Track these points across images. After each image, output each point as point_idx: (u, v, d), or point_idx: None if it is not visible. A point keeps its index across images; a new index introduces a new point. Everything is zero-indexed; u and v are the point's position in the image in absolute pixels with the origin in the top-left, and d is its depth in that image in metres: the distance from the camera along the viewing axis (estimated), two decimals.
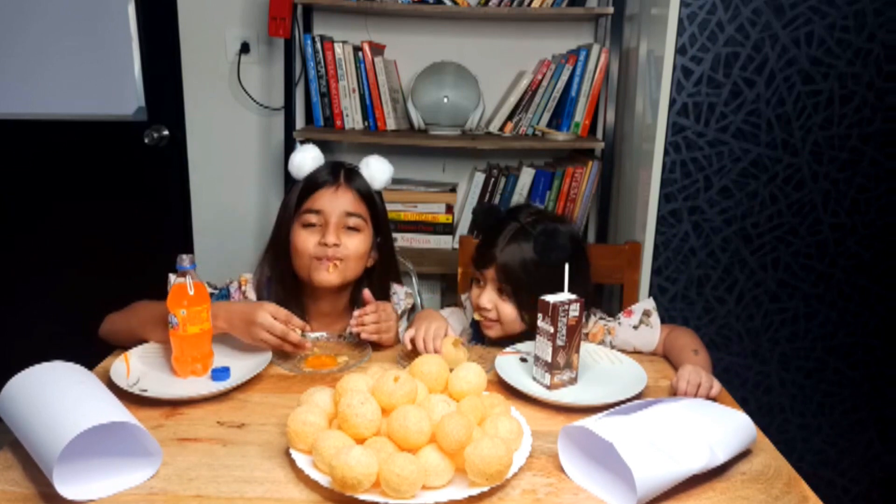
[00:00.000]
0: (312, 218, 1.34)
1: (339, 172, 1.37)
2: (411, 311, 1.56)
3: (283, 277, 1.39)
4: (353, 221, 1.35)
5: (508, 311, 1.38)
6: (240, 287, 1.43)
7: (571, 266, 1.22)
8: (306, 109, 2.30)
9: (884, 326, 1.87)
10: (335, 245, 1.32)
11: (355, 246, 1.35)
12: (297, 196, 1.36)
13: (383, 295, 1.44)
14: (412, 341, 1.26)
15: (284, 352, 1.25)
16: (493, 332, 1.42)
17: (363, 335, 1.30)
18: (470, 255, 1.67)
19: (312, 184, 1.35)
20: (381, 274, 1.45)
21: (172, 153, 2.40)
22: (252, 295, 1.41)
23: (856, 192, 1.78)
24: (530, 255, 1.33)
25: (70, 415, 0.88)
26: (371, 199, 1.39)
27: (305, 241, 1.34)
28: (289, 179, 1.62)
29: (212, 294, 1.36)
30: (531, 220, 1.39)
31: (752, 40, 1.70)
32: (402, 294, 1.52)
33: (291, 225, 1.36)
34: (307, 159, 1.36)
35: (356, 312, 1.32)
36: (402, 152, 2.34)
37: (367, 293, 1.34)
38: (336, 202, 1.33)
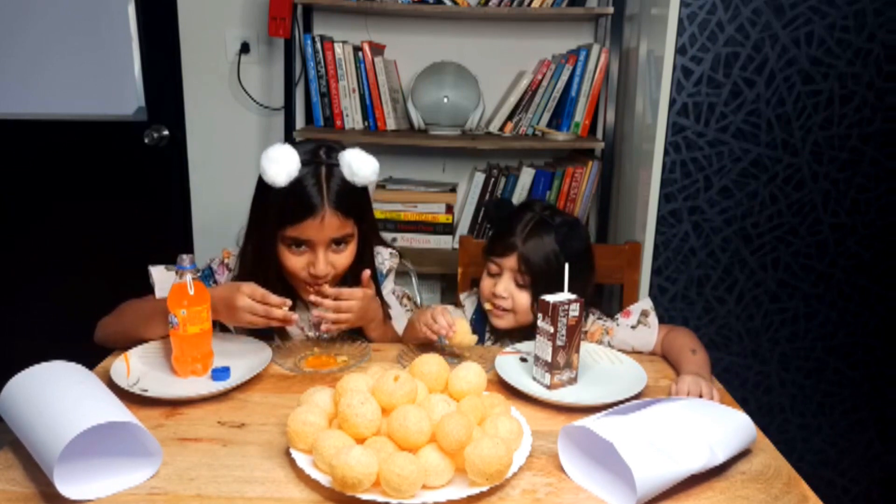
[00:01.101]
0: (298, 243, 1.28)
1: (322, 192, 1.24)
2: (411, 305, 1.54)
3: (268, 275, 1.31)
4: (340, 241, 1.29)
5: (524, 300, 1.39)
6: (222, 261, 1.41)
7: (581, 263, 1.23)
8: (306, 109, 2.30)
9: (884, 326, 1.87)
10: (325, 274, 1.28)
11: (344, 261, 1.31)
12: (279, 215, 1.26)
13: (368, 264, 1.37)
14: (427, 329, 1.26)
15: (275, 328, 1.23)
16: (503, 322, 1.42)
17: (315, 313, 1.28)
18: (470, 254, 1.68)
19: (294, 211, 1.24)
20: (364, 251, 1.37)
21: (172, 153, 2.40)
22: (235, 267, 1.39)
23: (856, 192, 1.78)
24: (552, 246, 1.36)
25: (70, 414, 0.88)
26: (355, 207, 1.30)
27: (294, 263, 1.29)
28: None
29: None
30: (548, 212, 1.42)
31: (752, 40, 1.70)
32: (385, 254, 1.48)
33: (275, 241, 1.28)
34: (281, 175, 1.22)
35: (312, 298, 1.28)
36: (402, 152, 2.34)
37: (365, 276, 1.30)
38: (322, 232, 1.25)
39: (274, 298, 1.19)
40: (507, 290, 1.39)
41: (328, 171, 1.27)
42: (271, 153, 1.23)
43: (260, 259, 1.31)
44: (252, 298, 1.18)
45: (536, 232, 1.38)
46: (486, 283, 1.43)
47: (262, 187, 1.28)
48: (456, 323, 1.26)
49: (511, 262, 1.38)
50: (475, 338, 1.28)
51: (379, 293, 1.41)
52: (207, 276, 1.41)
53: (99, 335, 1.31)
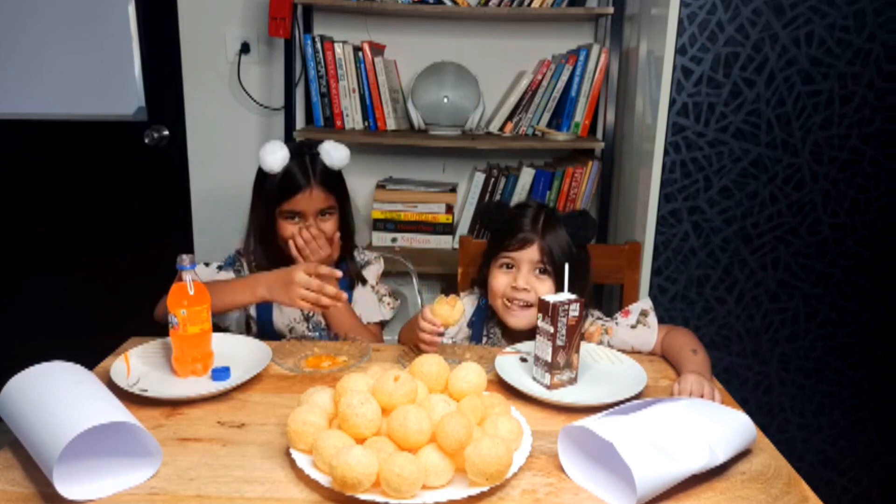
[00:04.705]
0: (293, 215, 1.56)
1: (309, 174, 1.54)
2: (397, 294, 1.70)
3: (274, 258, 1.56)
4: (325, 212, 1.57)
5: (546, 291, 1.38)
6: (239, 252, 1.64)
7: (579, 262, 1.23)
8: (306, 109, 2.30)
9: (884, 326, 1.87)
10: (317, 237, 1.54)
11: (329, 227, 1.57)
12: (278, 194, 1.54)
13: (348, 240, 1.64)
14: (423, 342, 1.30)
15: (322, 307, 1.34)
16: (523, 320, 1.40)
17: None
18: (470, 254, 1.68)
19: (289, 189, 1.54)
20: (345, 227, 1.64)
21: (172, 153, 2.40)
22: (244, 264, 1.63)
23: (856, 192, 1.78)
24: (565, 234, 1.41)
25: (70, 415, 0.88)
26: (336, 186, 1.59)
27: (288, 231, 1.55)
28: None
29: (219, 266, 1.60)
30: (549, 206, 1.51)
31: (752, 40, 1.70)
32: (370, 256, 1.72)
33: (275, 216, 1.56)
34: (277, 161, 1.53)
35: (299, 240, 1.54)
36: (402, 152, 2.34)
37: (335, 240, 1.59)
38: (311, 203, 1.55)
39: (326, 269, 1.32)
40: (528, 283, 1.39)
41: (311, 158, 1.57)
42: (268, 147, 1.54)
43: (263, 232, 1.58)
44: (309, 274, 1.31)
45: (550, 222, 1.41)
46: (502, 280, 1.42)
47: (260, 177, 1.58)
48: (434, 309, 1.27)
49: (530, 253, 1.39)
50: (461, 308, 1.28)
51: (350, 288, 1.63)
52: (233, 260, 1.63)
53: (161, 311, 1.37)
